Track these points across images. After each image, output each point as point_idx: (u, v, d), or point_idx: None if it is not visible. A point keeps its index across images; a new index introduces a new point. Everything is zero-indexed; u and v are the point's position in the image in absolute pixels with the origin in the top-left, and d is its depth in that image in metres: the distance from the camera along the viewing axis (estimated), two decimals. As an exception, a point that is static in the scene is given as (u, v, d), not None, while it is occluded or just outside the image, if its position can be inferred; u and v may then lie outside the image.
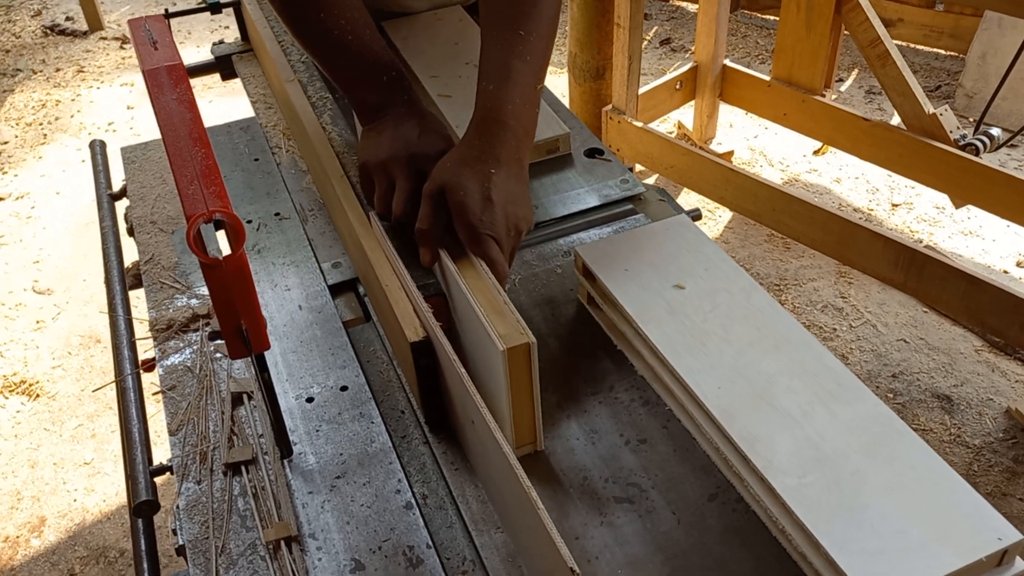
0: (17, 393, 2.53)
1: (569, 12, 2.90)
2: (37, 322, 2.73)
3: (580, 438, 0.98)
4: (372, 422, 1.00)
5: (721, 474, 0.93)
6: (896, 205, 3.05)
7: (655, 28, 4.25)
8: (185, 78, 0.93)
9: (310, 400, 1.03)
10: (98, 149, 1.56)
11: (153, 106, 0.91)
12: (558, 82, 3.76)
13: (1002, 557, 0.78)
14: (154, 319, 1.15)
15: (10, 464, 2.36)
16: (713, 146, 3.32)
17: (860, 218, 2.98)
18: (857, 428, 0.88)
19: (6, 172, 3.41)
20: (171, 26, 1.04)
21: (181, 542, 0.91)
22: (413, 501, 0.92)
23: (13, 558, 2.16)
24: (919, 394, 2.35)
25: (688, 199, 3.12)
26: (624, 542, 0.88)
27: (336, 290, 1.19)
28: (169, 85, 0.91)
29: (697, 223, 1.20)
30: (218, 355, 1.09)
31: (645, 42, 4.14)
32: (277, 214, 1.33)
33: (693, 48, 3.77)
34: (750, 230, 2.99)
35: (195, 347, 1.11)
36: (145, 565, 0.97)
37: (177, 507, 0.93)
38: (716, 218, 3.07)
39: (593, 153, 1.42)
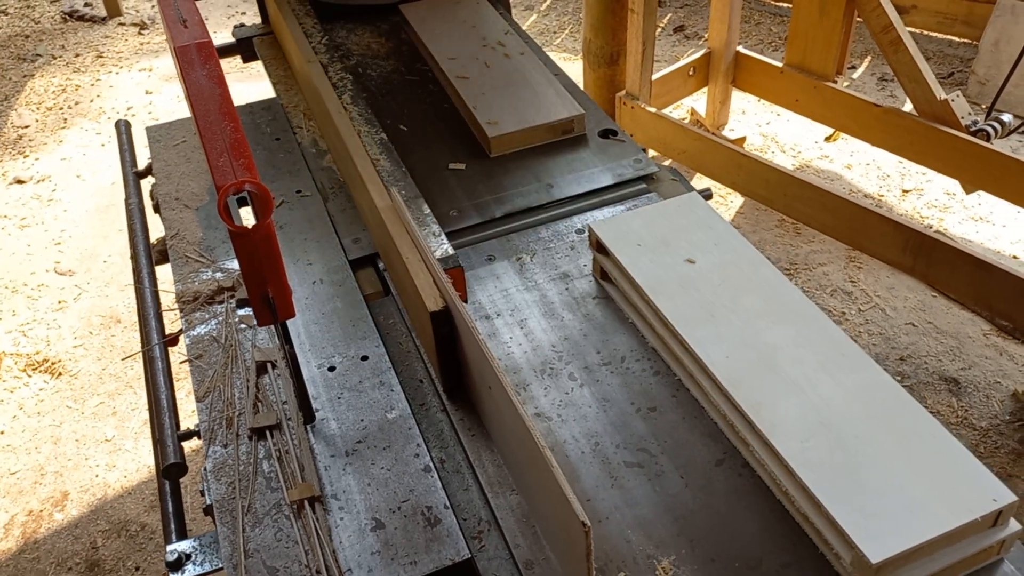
0: (40, 371, 2.59)
1: (583, -2, 2.92)
2: (59, 302, 2.78)
3: (592, 406, 1.02)
4: (392, 390, 1.04)
5: (728, 440, 0.97)
6: (907, 191, 3.06)
7: (669, 15, 4.26)
8: (214, 55, 0.96)
9: (332, 369, 1.07)
10: (123, 129, 1.60)
11: (183, 82, 0.94)
12: (573, 68, 3.78)
13: (997, 518, 0.81)
14: (181, 292, 1.19)
15: (33, 440, 2.41)
16: (725, 132, 3.33)
17: (871, 203, 2.99)
18: (860, 395, 0.91)
19: (27, 156, 3.46)
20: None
21: (209, 502, 0.95)
22: (431, 464, 0.96)
23: (37, 531, 2.21)
24: (927, 377, 2.37)
25: (700, 184, 3.13)
26: (634, 503, 0.91)
27: (357, 265, 1.23)
28: (199, 62, 0.95)
29: (708, 203, 1.23)
30: (243, 326, 1.13)
31: (659, 29, 4.15)
32: (299, 191, 1.37)
33: (707, 35, 3.78)
34: (761, 215, 3.01)
35: (220, 318, 1.15)
36: (173, 526, 1.01)
37: (205, 469, 0.97)
38: (728, 203, 3.09)
39: (607, 134, 1.45)
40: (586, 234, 1.23)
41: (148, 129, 1.56)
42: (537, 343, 1.09)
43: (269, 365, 1.07)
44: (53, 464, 2.36)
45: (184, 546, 0.97)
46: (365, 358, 1.08)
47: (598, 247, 1.14)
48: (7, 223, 3.12)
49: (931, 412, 2.25)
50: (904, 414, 0.89)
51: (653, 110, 2.86)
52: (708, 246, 1.11)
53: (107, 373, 2.58)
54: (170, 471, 1.00)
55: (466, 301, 1.10)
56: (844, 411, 0.90)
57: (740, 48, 3.12)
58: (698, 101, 3.43)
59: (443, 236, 1.09)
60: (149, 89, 3.83)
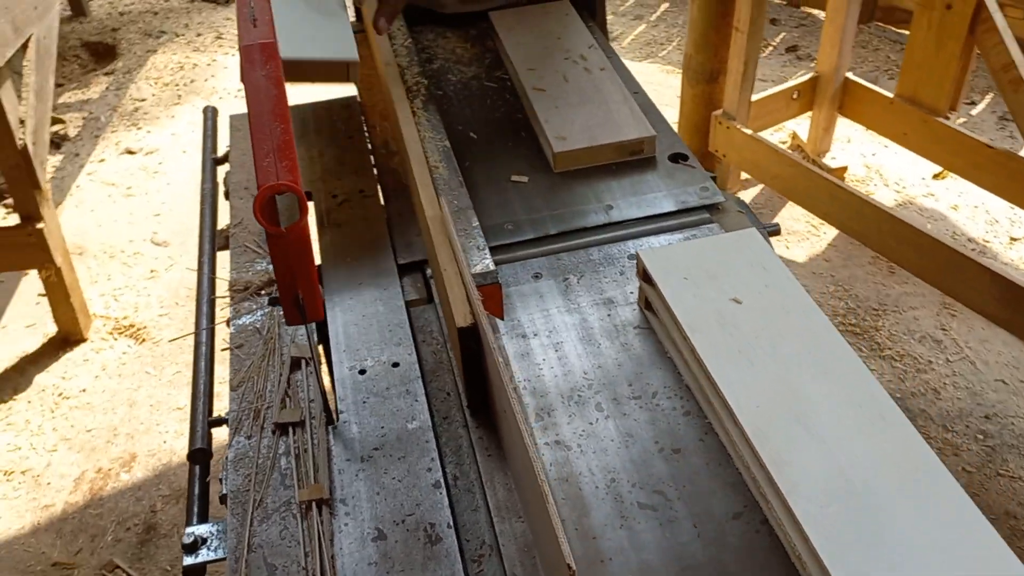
0: (125, 336, 2.71)
1: (689, 12, 2.86)
2: (151, 271, 2.91)
3: (615, 440, 0.99)
4: (416, 400, 1.04)
5: (750, 493, 0.93)
6: (1015, 239, 2.89)
7: (782, 34, 4.14)
8: (276, 56, 0.98)
9: (362, 372, 1.07)
10: (209, 115, 1.65)
11: (243, 80, 0.96)
12: (672, 81, 3.72)
13: (1024, 615, 0.75)
14: (234, 280, 1.22)
15: (111, 401, 2.53)
16: (827, 160, 3.22)
17: (973, 249, 2.84)
18: (892, 463, 0.86)
19: (140, 128, 3.63)
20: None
21: (224, 491, 0.96)
22: (442, 481, 0.95)
23: (103, 488, 2.32)
24: (1012, 439, 2.23)
25: (792, 212, 3.04)
26: (640, 548, 0.88)
27: (405, 270, 1.23)
28: (261, 62, 0.97)
29: (766, 241, 1.18)
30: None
31: (770, 48, 4.04)
32: (361, 191, 1.38)
33: (819, 58, 3.66)
34: (854, 250, 2.90)
35: (266, 310, 1.17)
36: (196, 508, 1.04)
37: (226, 458, 0.99)
38: (820, 234, 2.98)
39: (677, 158, 1.41)
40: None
41: (231, 117, 1.60)
42: (569, 368, 1.07)
43: (303, 361, 1.08)
44: (126, 426, 2.47)
45: (202, 530, 0.99)
46: (396, 364, 1.08)
47: (644, 276, 1.11)
48: (113, 191, 3.28)
49: (1012, 477, 2.12)
50: (936, 488, 0.83)
51: (749, 132, 2.79)
52: (758, 286, 1.07)
53: (187, 344, 2.67)
54: (195, 455, 1.03)
55: (502, 318, 1.09)
56: (872, 478, 0.85)
57: (850, 74, 3.00)
58: (801, 125, 3.33)
59: (487, 251, 1.09)
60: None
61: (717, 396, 0.96)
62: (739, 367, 0.97)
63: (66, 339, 2.68)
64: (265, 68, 0.96)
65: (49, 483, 2.32)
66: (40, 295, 2.72)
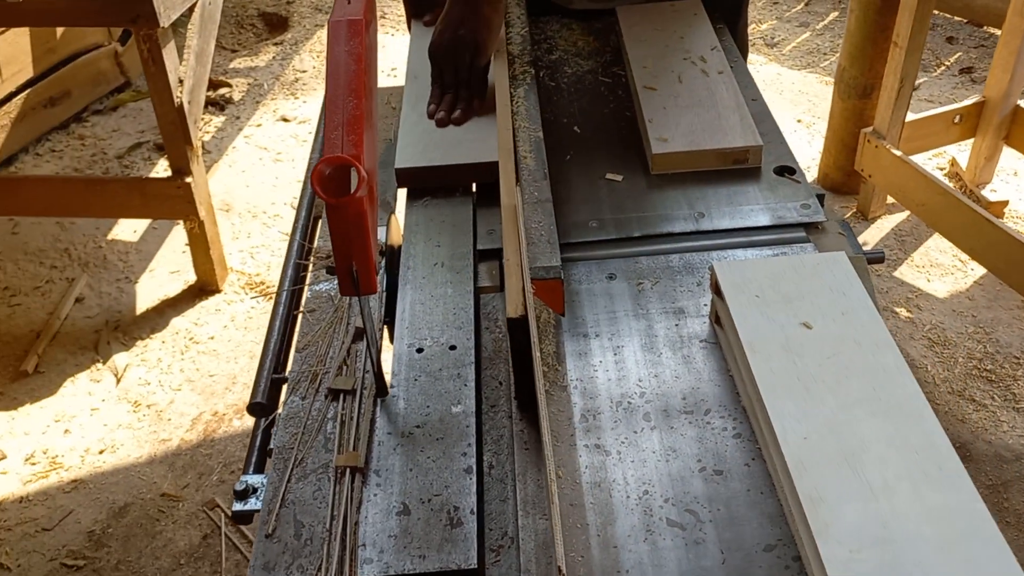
0: (255, 291, 2.86)
1: (846, 23, 2.73)
2: (286, 234, 3.06)
3: (656, 452, 0.96)
4: (465, 384, 1.04)
5: (787, 527, 0.88)
6: None
7: (958, 54, 3.88)
8: (362, 33, 1.00)
9: (420, 351, 1.09)
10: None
11: (327, 55, 0.99)
12: (829, 93, 3.54)
13: None
14: (319, 248, 1.26)
15: (235, 351, 2.68)
16: (986, 192, 2.99)
17: None
18: (940, 518, 0.79)
19: (298, 97, 3.81)
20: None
21: (271, 446, 1.01)
22: (474, 467, 0.95)
23: (216, 431, 2.46)
24: None
25: (939, 244, 2.85)
26: (659, 565, 0.86)
27: (484, 256, 1.24)
28: (345, 38, 0.99)
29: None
30: (358, 291, 1.18)
31: (943, 68, 3.79)
32: (456, 174, 1.40)
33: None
34: (1002, 291, 2.68)
35: (344, 280, 1.21)
36: (253, 459, 1.09)
37: (279, 415, 1.04)
38: (967, 271, 2.78)
39: (783, 171, 1.35)
40: (718, 272, 1.16)
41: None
42: (625, 373, 1.05)
43: (365, 335, 1.11)
44: (245, 376, 2.61)
45: (255, 480, 1.04)
46: (453, 348, 1.09)
47: (716, 288, 1.07)
48: (264, 155, 3.46)
49: None
50: (984, 552, 0.76)
51: (899, 153, 2.63)
52: (834, 313, 1.01)
53: (307, 306, 2.79)
54: (254, 408, 1.08)
55: (562, 315, 1.08)
56: (913, 531, 0.79)
57: (1022, 102, 2.78)
58: (964, 153, 3.11)
59: (556, 245, 1.08)
60: (415, 54, 4.07)
61: (766, 421, 0.92)
62: (794, 395, 0.92)
63: (203, 288, 2.86)
64: (348, 44, 0.98)
65: (170, 419, 2.49)
66: (186, 245, 2.91)
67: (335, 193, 0.88)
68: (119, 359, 2.64)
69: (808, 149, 3.34)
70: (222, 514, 2.26)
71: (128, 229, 3.10)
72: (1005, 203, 2.95)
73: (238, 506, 1.02)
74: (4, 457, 2.39)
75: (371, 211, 0.92)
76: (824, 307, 1.02)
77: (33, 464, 2.37)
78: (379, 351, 1.01)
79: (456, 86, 1.44)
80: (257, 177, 3.34)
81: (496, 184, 1.20)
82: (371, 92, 0.99)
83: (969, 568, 0.76)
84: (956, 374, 2.48)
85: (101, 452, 2.40)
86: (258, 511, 1.01)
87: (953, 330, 2.60)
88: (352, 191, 0.88)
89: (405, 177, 1.36)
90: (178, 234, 3.07)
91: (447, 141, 1.39)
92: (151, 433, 2.46)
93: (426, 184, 1.36)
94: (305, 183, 1.45)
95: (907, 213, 2.97)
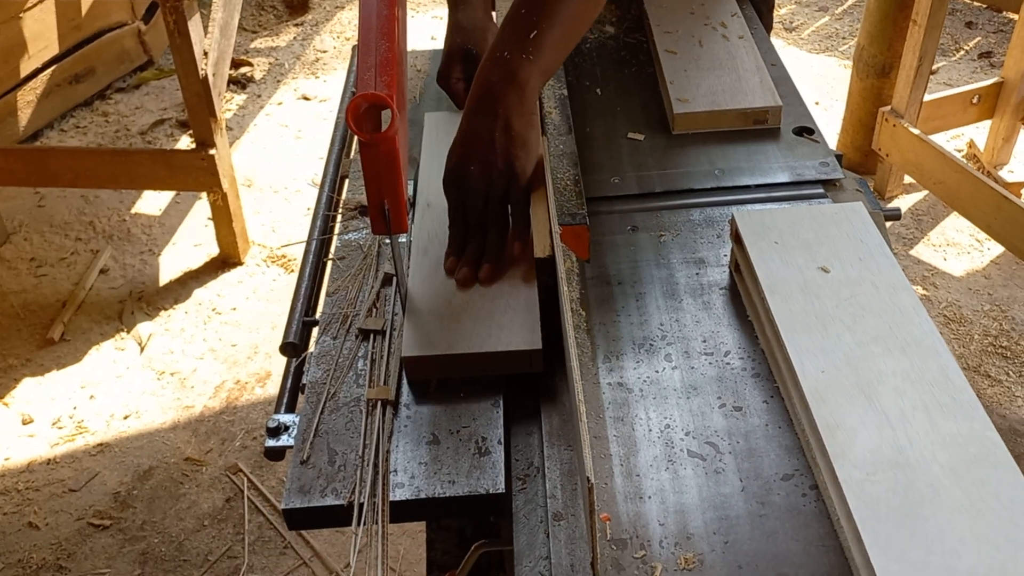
0: (277, 265, 2.90)
1: (865, 2, 2.74)
2: (307, 209, 3.09)
3: (677, 389, 0.99)
4: (492, 325, 1.07)
5: (805, 458, 0.91)
6: None
7: (977, 39, 3.87)
8: (394, -19, 1.03)
9: (447, 294, 1.12)
10: (355, 52, 1.75)
11: (360, 2, 1.03)
12: (842, 76, 3.55)
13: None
14: (347, 200, 1.30)
15: (257, 322, 2.72)
16: (1003, 173, 3.00)
17: None
18: (952, 444, 0.82)
19: (318, 77, 3.85)
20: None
21: (304, 381, 1.04)
22: (501, 402, 0.99)
23: (239, 399, 2.51)
24: None
25: (956, 223, 2.86)
26: (681, 491, 0.89)
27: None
28: (379, -16, 1.03)
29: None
30: (386, 240, 1.21)
31: (962, 52, 3.79)
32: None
33: (1015, 65, 3.39)
34: (1019, 270, 2.70)
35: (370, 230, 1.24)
36: (285, 399, 1.12)
37: (310, 353, 1.07)
38: (984, 250, 2.79)
39: (802, 132, 1.38)
40: (739, 225, 1.19)
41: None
42: (646, 318, 1.08)
43: (395, 279, 1.15)
44: (267, 346, 2.65)
45: (286, 418, 1.07)
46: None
47: (736, 237, 1.10)
48: (285, 132, 3.50)
49: None
50: (995, 475, 0.79)
51: (917, 132, 2.64)
52: (851, 259, 1.03)
53: (328, 279, 2.83)
54: (286, 348, 1.11)
55: (587, 260, 1.11)
56: (927, 456, 0.81)
57: (1040, 82, 2.78)
58: (981, 134, 3.12)
59: (583, 195, 1.10)
60: (434, 35, 4.10)
61: (784, 358, 0.95)
62: (812, 333, 0.95)
63: (225, 260, 2.90)
64: (384, -9, 1.02)
65: (193, 387, 2.54)
66: (208, 218, 2.95)
67: (368, 131, 0.92)
68: (143, 328, 2.69)
69: (825, 131, 3.34)
70: (245, 478, 2.30)
71: (151, 203, 3.15)
72: (1022, 184, 2.95)
73: (271, 442, 1.05)
74: (31, 421, 2.44)
75: (403, 151, 0.96)
76: (842, 253, 1.04)
77: (60, 428, 2.42)
78: (407, 291, 1.05)
79: (482, 228, 1.08)
80: (278, 154, 3.38)
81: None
82: (402, 37, 1.02)
83: (982, 489, 0.78)
84: (972, 351, 2.49)
85: (126, 417, 2.45)
86: (290, 447, 1.04)
87: (969, 308, 2.61)
88: (385, 129, 0.91)
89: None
90: (200, 208, 3.11)
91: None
92: (175, 400, 2.50)
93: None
94: (333, 142, 1.48)
95: (924, 193, 2.98)
